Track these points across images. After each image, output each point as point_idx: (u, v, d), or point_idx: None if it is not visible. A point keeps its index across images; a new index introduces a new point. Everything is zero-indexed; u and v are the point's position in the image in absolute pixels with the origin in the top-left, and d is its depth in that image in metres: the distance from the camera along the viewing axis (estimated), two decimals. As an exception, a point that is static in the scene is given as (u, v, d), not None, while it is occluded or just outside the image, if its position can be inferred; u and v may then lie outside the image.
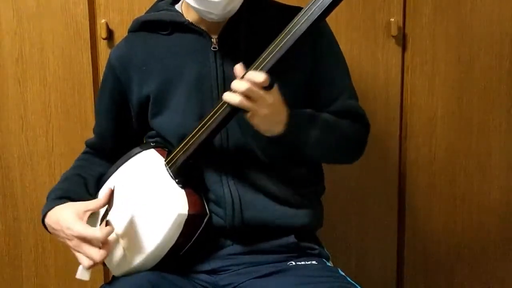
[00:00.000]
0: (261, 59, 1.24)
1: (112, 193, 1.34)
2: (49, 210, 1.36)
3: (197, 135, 1.30)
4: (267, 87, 1.22)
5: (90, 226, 1.29)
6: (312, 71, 1.40)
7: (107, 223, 1.31)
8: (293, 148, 1.33)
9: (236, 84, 1.22)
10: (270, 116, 1.25)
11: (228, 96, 1.23)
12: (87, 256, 1.27)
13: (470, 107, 1.86)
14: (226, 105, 1.25)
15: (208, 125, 1.28)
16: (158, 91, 1.39)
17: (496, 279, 1.96)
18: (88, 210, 1.32)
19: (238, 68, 1.24)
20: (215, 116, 1.27)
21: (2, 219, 1.98)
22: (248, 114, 1.24)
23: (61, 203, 1.36)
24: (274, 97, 1.24)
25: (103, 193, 1.38)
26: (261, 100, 1.22)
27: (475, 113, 1.87)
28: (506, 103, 1.86)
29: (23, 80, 1.88)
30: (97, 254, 1.26)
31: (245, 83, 1.21)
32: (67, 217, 1.30)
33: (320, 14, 1.21)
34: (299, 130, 1.30)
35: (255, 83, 1.21)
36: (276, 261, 1.38)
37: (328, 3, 1.20)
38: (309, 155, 1.37)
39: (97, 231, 1.27)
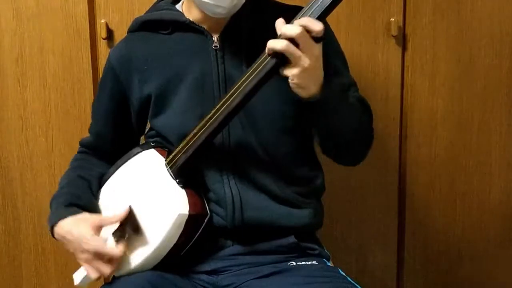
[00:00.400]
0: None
1: (129, 212, 1.33)
2: (60, 219, 1.35)
3: (198, 135, 1.29)
4: (317, 39, 1.18)
5: (106, 243, 1.30)
6: None
7: (120, 239, 1.31)
8: (325, 113, 1.27)
9: (288, 28, 1.16)
10: (313, 70, 1.19)
11: (274, 42, 1.17)
12: (97, 269, 1.29)
13: (470, 107, 1.86)
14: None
15: (210, 123, 1.28)
16: (159, 91, 1.39)
17: (497, 279, 1.96)
18: (104, 225, 1.33)
19: (280, 22, 1.18)
20: (217, 114, 1.26)
21: (2, 219, 1.98)
22: (289, 66, 1.19)
23: (73, 212, 1.35)
24: (320, 50, 1.20)
25: (105, 195, 1.39)
26: (309, 49, 1.17)
27: (475, 113, 1.86)
28: (506, 103, 1.86)
29: (23, 80, 1.88)
30: (108, 268, 1.29)
31: (298, 27, 1.16)
32: (84, 231, 1.30)
33: (320, 13, 1.21)
34: (332, 96, 1.25)
35: (310, 30, 1.16)
36: (276, 261, 1.38)
37: (329, 2, 1.20)
38: (334, 126, 1.31)
39: (115, 250, 1.28)
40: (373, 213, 1.92)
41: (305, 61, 1.18)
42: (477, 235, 1.93)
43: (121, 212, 1.33)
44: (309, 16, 1.19)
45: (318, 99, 1.24)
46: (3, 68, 1.88)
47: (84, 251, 1.30)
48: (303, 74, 1.19)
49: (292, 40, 1.17)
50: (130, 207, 1.33)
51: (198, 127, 1.30)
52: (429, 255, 1.94)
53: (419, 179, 1.91)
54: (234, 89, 1.26)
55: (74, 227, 1.32)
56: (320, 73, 1.23)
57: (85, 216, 1.35)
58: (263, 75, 1.22)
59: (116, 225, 1.32)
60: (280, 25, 1.19)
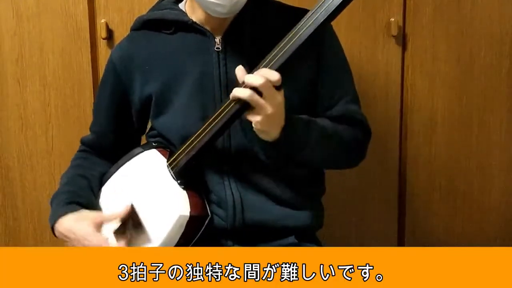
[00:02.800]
0: (268, 60, 1.23)
1: (130, 210, 1.33)
2: (60, 216, 1.35)
3: (201, 137, 1.29)
4: (278, 87, 1.21)
5: (107, 240, 1.30)
6: (317, 72, 1.39)
7: (121, 237, 1.32)
8: (290, 152, 1.32)
9: (251, 78, 1.20)
10: (274, 116, 1.23)
11: (239, 91, 1.21)
12: None
13: (470, 106, 1.86)
14: (233, 103, 1.24)
15: (212, 126, 1.27)
16: (160, 91, 1.39)
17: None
18: (105, 222, 1.33)
19: (240, 70, 1.23)
20: (220, 117, 1.26)
21: (2, 219, 1.97)
22: (253, 113, 1.22)
23: (73, 209, 1.35)
24: (281, 97, 1.23)
25: (106, 195, 1.39)
26: (271, 98, 1.21)
27: (475, 112, 1.86)
28: (506, 103, 1.86)
29: (22, 80, 1.88)
30: None
31: (261, 77, 1.19)
32: (85, 228, 1.31)
33: (326, 18, 1.20)
34: (295, 135, 1.29)
35: (270, 80, 1.20)
36: (276, 261, 1.38)
37: (334, 7, 1.20)
38: (306, 160, 1.36)
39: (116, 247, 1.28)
40: (373, 213, 1.92)
41: (268, 109, 1.21)
42: (477, 235, 1.93)
43: (122, 209, 1.33)
44: (306, 30, 1.21)
45: (280, 140, 1.26)
46: (3, 68, 1.88)
47: (85, 247, 1.30)
48: (265, 121, 1.22)
49: (255, 89, 1.20)
50: (131, 205, 1.33)
51: (201, 128, 1.30)
52: (429, 255, 1.94)
53: (419, 179, 1.91)
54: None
55: (75, 224, 1.32)
56: (281, 118, 1.26)
57: (85, 213, 1.35)
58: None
59: (117, 223, 1.32)
60: (243, 74, 1.22)
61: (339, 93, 1.41)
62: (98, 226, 1.32)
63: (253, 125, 1.25)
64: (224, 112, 1.26)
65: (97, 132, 1.52)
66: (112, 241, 1.31)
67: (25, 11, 1.83)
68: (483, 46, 1.83)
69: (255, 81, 1.20)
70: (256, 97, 1.20)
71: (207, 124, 1.29)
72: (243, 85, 1.22)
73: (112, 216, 1.33)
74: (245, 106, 1.22)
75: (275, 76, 1.20)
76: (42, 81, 1.87)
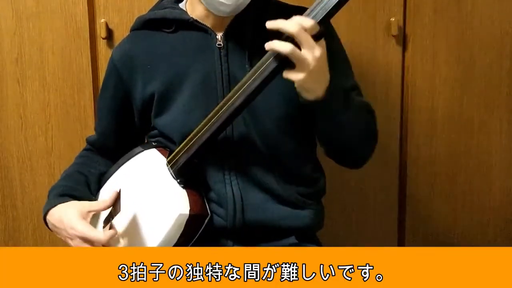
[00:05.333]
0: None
1: (117, 196, 1.33)
2: (51, 207, 1.36)
3: (200, 134, 1.29)
4: (316, 37, 1.16)
5: (93, 228, 1.30)
6: None
7: (111, 226, 1.31)
8: (331, 112, 1.26)
9: (285, 24, 1.14)
10: (317, 72, 1.17)
11: (278, 44, 1.16)
12: None
13: (471, 106, 1.86)
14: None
15: (212, 123, 1.27)
16: (162, 89, 1.39)
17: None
18: (92, 211, 1.33)
19: (273, 23, 1.16)
20: (220, 113, 1.26)
21: (2, 219, 1.97)
22: (294, 70, 1.17)
23: (64, 201, 1.36)
24: (323, 49, 1.18)
25: (106, 193, 1.38)
26: (310, 49, 1.15)
27: (476, 112, 1.86)
28: (506, 103, 1.86)
29: (22, 80, 1.88)
30: None
31: (295, 23, 1.14)
32: (71, 217, 1.31)
33: (323, 16, 1.19)
34: (336, 98, 1.24)
35: (304, 27, 1.15)
36: (276, 261, 1.38)
37: (332, 5, 1.19)
38: (341, 126, 1.29)
39: (101, 234, 1.27)
40: (373, 213, 1.92)
41: (310, 64, 1.17)
42: (478, 235, 1.93)
43: (110, 197, 1.33)
44: (312, 18, 1.18)
45: (322, 101, 1.23)
46: (2, 68, 1.87)
47: (73, 236, 1.30)
48: (308, 77, 1.18)
49: (294, 43, 1.16)
50: (119, 191, 1.33)
51: (200, 127, 1.30)
52: (429, 255, 1.94)
53: (419, 179, 1.91)
54: (236, 89, 1.25)
55: (63, 214, 1.33)
56: (325, 75, 1.22)
57: (73, 202, 1.35)
58: (266, 76, 1.21)
59: (106, 212, 1.32)
60: (277, 23, 1.17)
61: (347, 85, 1.38)
62: (85, 214, 1.31)
63: (296, 85, 1.20)
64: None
65: (100, 132, 1.52)
66: (100, 229, 1.30)
67: (24, 11, 1.83)
68: (483, 46, 1.83)
69: (291, 27, 1.14)
70: (297, 51, 1.15)
71: (206, 121, 1.28)
72: (283, 38, 1.15)
73: (99, 204, 1.34)
74: (284, 61, 1.16)
75: (309, 22, 1.15)
76: (41, 81, 1.87)
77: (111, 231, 1.28)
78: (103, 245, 1.27)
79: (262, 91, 1.24)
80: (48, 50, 1.85)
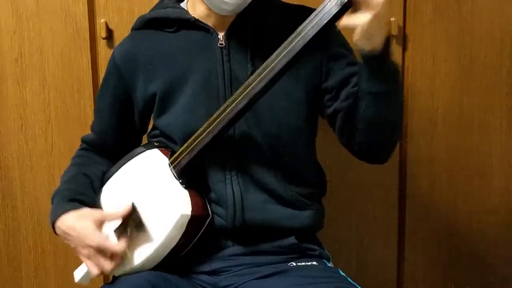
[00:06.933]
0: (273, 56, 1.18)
1: (132, 208, 1.32)
2: (63, 213, 1.34)
3: (204, 135, 1.29)
4: None
5: (108, 238, 1.30)
6: (327, 72, 1.36)
7: (122, 236, 1.31)
8: (388, 70, 1.22)
9: None
10: (382, 15, 1.12)
11: None
12: (98, 265, 1.29)
13: (471, 106, 1.86)
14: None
15: (216, 123, 1.27)
16: (164, 89, 1.39)
17: (497, 280, 1.96)
18: (106, 221, 1.33)
19: None
20: (223, 114, 1.26)
21: (2, 219, 1.97)
22: (359, 13, 1.13)
23: (75, 207, 1.35)
24: None
25: (107, 193, 1.39)
26: None
27: (476, 112, 1.86)
28: (506, 103, 1.85)
29: (22, 79, 1.88)
30: (109, 265, 1.29)
31: None
32: (86, 226, 1.30)
33: (329, 20, 1.18)
34: (389, 59, 1.21)
35: None
36: (276, 262, 1.38)
37: (335, 12, 1.17)
38: (392, 94, 1.26)
39: (117, 246, 1.28)
40: (373, 213, 1.92)
41: (377, 4, 1.11)
42: (478, 235, 1.93)
43: (124, 208, 1.32)
44: (325, 15, 1.16)
45: (379, 56, 1.18)
46: (2, 68, 1.88)
47: (86, 246, 1.29)
48: (374, 20, 1.12)
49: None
50: (133, 203, 1.33)
51: (203, 127, 1.29)
52: (429, 255, 1.94)
53: (419, 179, 1.90)
54: (241, 90, 1.25)
55: (77, 222, 1.32)
56: (387, 23, 1.16)
57: (87, 211, 1.34)
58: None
59: (119, 222, 1.32)
60: None
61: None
62: (99, 224, 1.31)
63: (357, 31, 1.14)
64: (227, 110, 1.22)
65: (98, 131, 1.52)
66: (113, 239, 1.31)
67: (24, 11, 1.83)
68: (483, 46, 1.83)
69: None
70: None
71: (209, 122, 1.28)
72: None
73: (114, 215, 1.33)
74: (344, 8, 1.12)
75: None
76: (41, 80, 1.87)
77: (125, 242, 1.29)
78: (115, 253, 1.28)
79: (267, 92, 1.24)
80: (48, 50, 1.85)
